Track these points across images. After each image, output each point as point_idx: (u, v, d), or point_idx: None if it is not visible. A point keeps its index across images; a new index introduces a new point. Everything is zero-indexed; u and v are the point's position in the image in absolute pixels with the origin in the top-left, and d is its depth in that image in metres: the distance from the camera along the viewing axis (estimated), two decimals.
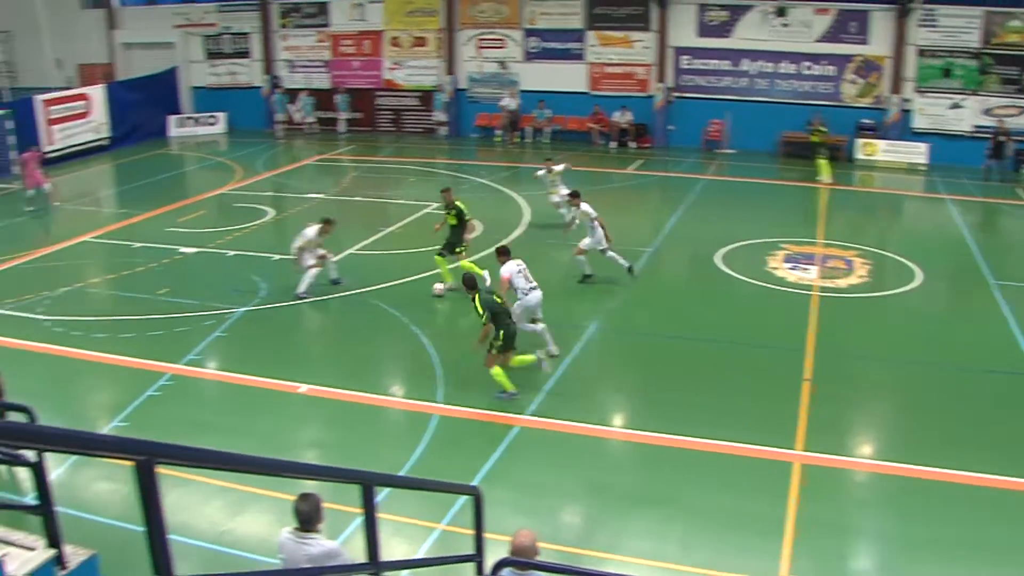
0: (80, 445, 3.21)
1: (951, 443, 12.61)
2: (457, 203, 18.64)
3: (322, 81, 39.73)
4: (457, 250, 18.59)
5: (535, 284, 15.33)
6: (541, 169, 23.91)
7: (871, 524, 10.91)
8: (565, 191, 22.01)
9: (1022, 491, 11.45)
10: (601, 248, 18.87)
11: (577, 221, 19.91)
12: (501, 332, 13.70)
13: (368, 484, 5.35)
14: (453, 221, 18.58)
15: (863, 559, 10.37)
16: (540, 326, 15.29)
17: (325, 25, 39.32)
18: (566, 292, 18.53)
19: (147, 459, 3.15)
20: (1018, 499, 11.36)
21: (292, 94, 39.28)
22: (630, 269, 19.23)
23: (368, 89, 39.17)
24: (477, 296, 13.77)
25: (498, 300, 13.96)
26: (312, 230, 18.18)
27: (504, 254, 15.66)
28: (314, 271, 18.29)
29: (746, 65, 35.27)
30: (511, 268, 15.34)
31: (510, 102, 36.38)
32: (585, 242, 18.94)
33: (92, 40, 37.99)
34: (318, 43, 39.62)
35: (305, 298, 18.03)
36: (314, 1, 39.06)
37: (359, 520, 9.85)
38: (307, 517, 6.97)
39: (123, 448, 3.21)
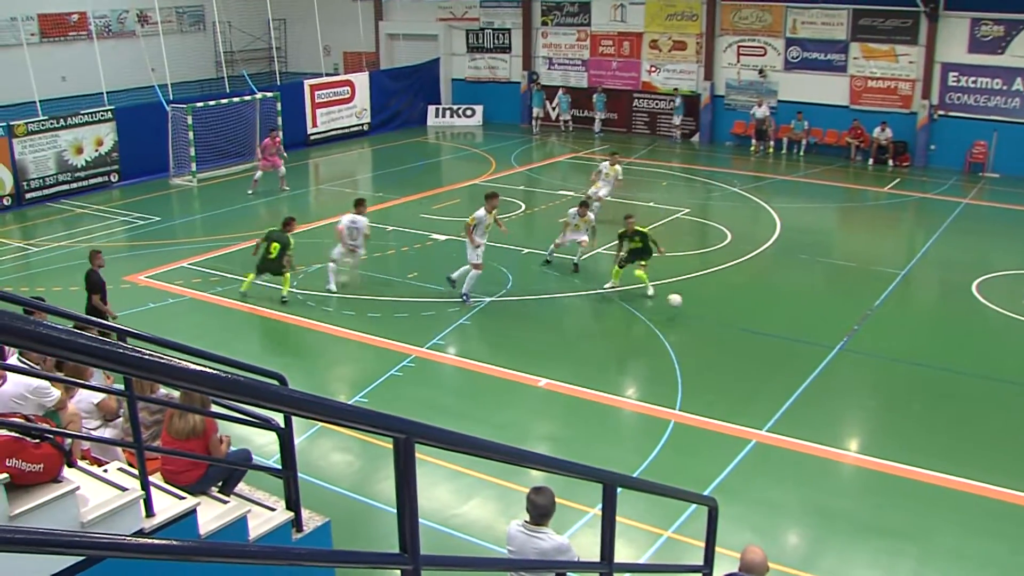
0: (343, 417, 3.28)
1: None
2: (640, 229, 18.74)
3: (579, 80, 40.40)
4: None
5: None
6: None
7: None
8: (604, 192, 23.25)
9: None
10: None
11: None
12: None
13: (611, 484, 5.25)
14: (638, 245, 18.68)
15: None
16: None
17: (586, 24, 39.95)
18: (811, 308, 18.47)
19: (407, 437, 3.30)
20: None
21: (549, 91, 40.15)
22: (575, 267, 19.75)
23: (625, 90, 39.56)
24: None
25: None
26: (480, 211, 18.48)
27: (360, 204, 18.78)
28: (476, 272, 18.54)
29: (1019, 84, 33.72)
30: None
31: (758, 110, 36.09)
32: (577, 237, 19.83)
33: (359, 29, 39.90)
34: (578, 42, 40.32)
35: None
36: (576, 0, 39.75)
37: (586, 517, 10.41)
38: (543, 511, 6.98)
39: (386, 425, 3.31)
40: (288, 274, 18.17)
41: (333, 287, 18.93)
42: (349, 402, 13.93)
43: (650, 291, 18.50)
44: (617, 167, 23.93)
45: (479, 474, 11.56)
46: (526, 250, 21.38)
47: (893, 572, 10.28)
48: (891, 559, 10.48)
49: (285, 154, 28.57)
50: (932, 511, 11.62)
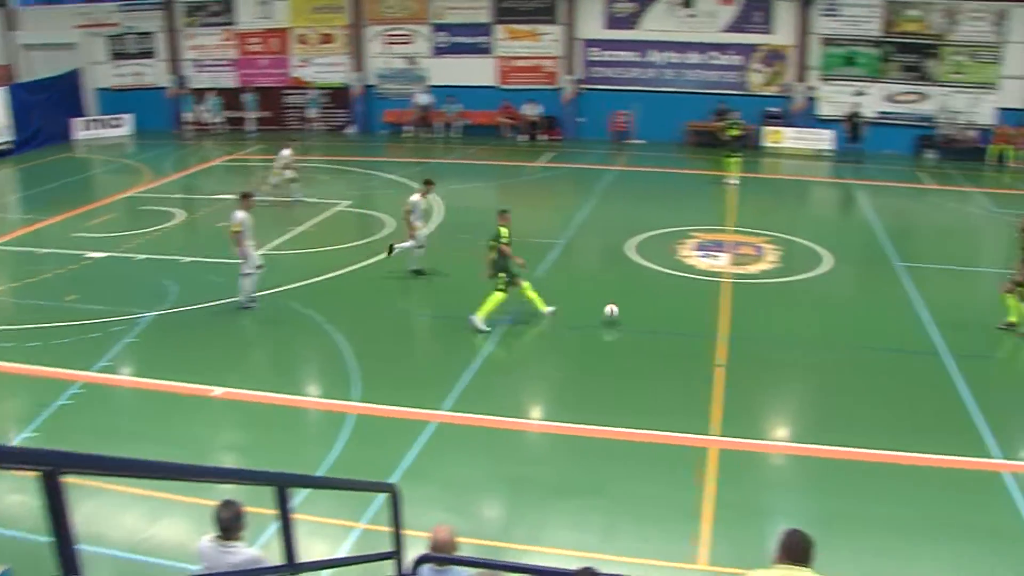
0: None
1: (864, 423, 12.95)
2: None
3: (229, 80, 39.14)
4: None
5: None
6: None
7: (788, 505, 11.17)
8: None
9: (935, 466, 11.81)
10: None
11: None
12: None
13: (282, 485, 5.21)
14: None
15: None
16: None
17: (231, 23, 38.74)
18: (476, 286, 18.55)
19: (52, 469, 3.09)
20: (932, 474, 11.71)
21: (199, 94, 38.67)
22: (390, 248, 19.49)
23: (276, 87, 38.73)
24: None
25: None
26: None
27: None
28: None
29: (653, 56, 35.69)
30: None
31: (423, 97, 36.33)
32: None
33: None
34: (224, 41, 39.03)
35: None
36: None
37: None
38: (228, 524, 6.86)
39: (25, 459, 3.13)
40: None
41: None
42: (13, 442, 12.73)
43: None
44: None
45: (166, 495, 10.77)
46: (188, 259, 20.37)
47: (585, 526, 10.52)
48: (582, 515, 10.75)
49: None
50: (610, 464, 12.00)
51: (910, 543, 10.21)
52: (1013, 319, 16.11)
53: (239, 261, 17.23)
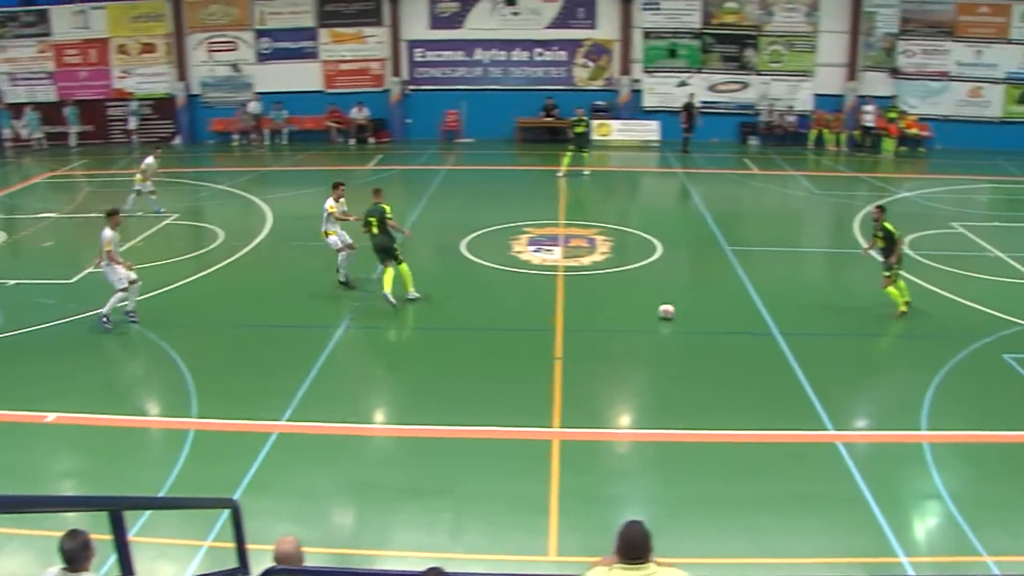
0: None
1: (701, 405, 13.48)
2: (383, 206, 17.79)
3: (48, 94, 37.81)
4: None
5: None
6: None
7: (633, 491, 11.49)
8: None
9: (775, 442, 12.46)
10: None
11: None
12: None
13: (116, 509, 5.14)
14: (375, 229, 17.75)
15: None
16: None
17: (47, 34, 37.42)
18: (310, 294, 18.69)
19: None
20: (772, 449, 12.35)
21: (16, 109, 37.36)
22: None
23: (98, 100, 37.67)
24: None
25: None
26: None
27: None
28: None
29: (479, 55, 36.35)
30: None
31: (255, 106, 36.09)
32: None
33: None
34: (40, 53, 37.71)
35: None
36: (32, 9, 37.15)
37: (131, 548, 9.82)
38: (73, 555, 6.46)
39: None
40: None
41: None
42: None
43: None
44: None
45: (5, 529, 10.52)
46: (12, 281, 19.79)
47: (433, 527, 10.58)
48: (430, 516, 10.78)
49: None
50: (455, 463, 12.09)
51: (757, 519, 10.56)
52: (904, 301, 16.88)
53: (113, 280, 16.78)
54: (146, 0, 36.67)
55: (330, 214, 18.57)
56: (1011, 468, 11.82)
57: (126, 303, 16.93)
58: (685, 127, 33.82)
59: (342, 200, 18.76)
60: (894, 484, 11.33)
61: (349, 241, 18.67)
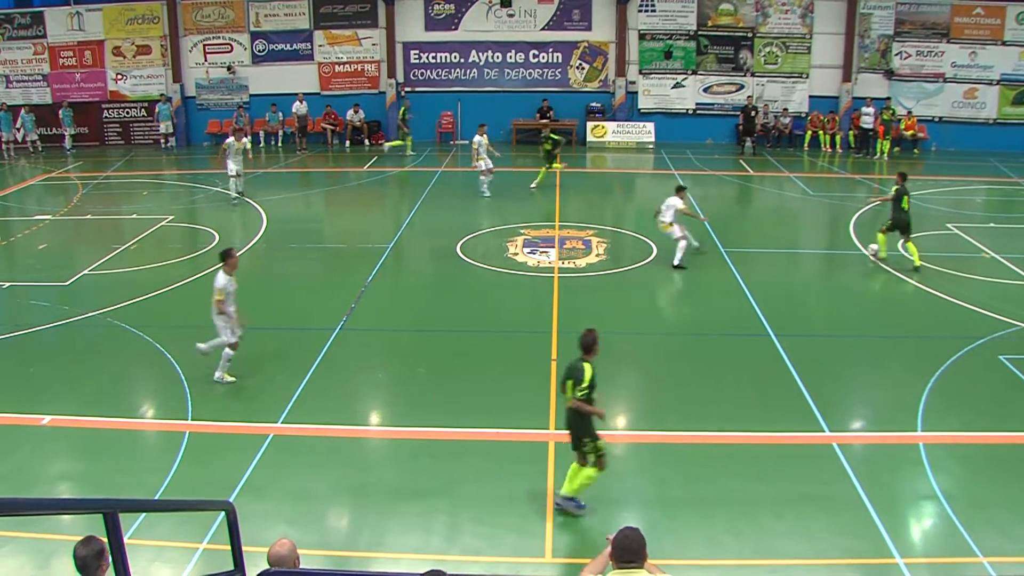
0: None
1: (697, 407, 13.49)
2: None
3: (43, 96, 37.76)
4: None
5: None
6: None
7: (629, 493, 11.42)
8: None
9: (773, 444, 12.47)
10: None
11: None
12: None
13: (111, 512, 5.00)
14: None
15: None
16: None
17: (42, 36, 37.35)
18: (306, 294, 18.68)
19: None
20: (771, 451, 12.34)
21: (11, 111, 37.24)
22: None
23: (93, 102, 37.64)
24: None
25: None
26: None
27: None
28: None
29: (475, 57, 36.29)
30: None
31: (300, 106, 35.74)
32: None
33: None
34: (35, 56, 37.66)
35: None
36: (28, 11, 37.05)
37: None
38: (87, 563, 6.40)
39: None
40: None
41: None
42: None
43: None
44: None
45: (2, 532, 10.45)
46: (8, 284, 19.75)
47: (429, 529, 10.55)
48: (427, 518, 10.75)
49: None
50: (452, 465, 12.07)
51: (753, 521, 10.56)
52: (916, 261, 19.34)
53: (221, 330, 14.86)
54: (141, 2, 36.57)
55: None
56: (1006, 469, 11.83)
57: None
58: (743, 129, 34.28)
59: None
60: (890, 485, 11.35)
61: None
